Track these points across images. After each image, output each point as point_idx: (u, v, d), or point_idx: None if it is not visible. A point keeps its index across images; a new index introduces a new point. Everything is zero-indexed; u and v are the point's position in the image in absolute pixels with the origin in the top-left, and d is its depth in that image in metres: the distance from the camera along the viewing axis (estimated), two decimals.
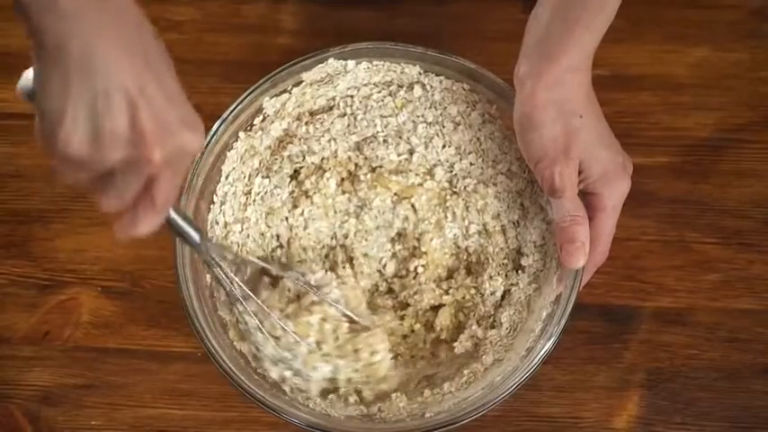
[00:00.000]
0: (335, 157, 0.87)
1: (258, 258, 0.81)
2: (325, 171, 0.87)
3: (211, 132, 0.80)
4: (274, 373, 0.77)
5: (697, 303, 0.87)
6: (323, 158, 0.87)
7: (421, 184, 0.86)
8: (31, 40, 0.56)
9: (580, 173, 0.75)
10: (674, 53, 0.96)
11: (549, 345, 0.74)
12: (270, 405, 0.73)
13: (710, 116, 0.93)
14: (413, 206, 0.87)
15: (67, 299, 0.89)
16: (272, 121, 0.84)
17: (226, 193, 0.83)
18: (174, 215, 0.68)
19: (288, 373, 0.77)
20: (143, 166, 0.57)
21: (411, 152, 0.86)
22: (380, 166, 0.87)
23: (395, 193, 0.87)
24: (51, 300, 0.89)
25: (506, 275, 0.84)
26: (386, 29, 0.96)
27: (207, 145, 0.80)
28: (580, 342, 0.86)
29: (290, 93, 0.84)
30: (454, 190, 0.86)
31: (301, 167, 0.87)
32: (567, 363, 0.86)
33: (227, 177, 0.83)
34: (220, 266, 0.74)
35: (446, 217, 0.86)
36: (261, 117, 0.83)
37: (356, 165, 0.87)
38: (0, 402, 0.86)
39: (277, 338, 0.76)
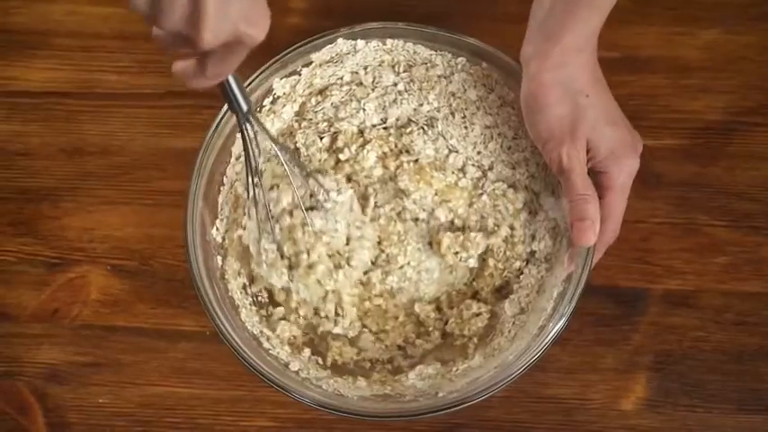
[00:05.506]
0: (374, 127, 0.86)
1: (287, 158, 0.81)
2: (367, 141, 0.86)
3: (221, 114, 0.80)
4: (274, 280, 0.80)
5: (705, 286, 0.87)
6: (361, 127, 0.86)
7: (456, 183, 0.85)
8: None
9: (588, 151, 0.75)
10: (685, 35, 0.95)
11: (560, 324, 0.74)
12: (281, 384, 0.74)
13: (720, 99, 0.93)
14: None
15: (76, 277, 0.89)
16: (284, 105, 0.84)
17: (238, 173, 0.83)
18: (230, 81, 0.69)
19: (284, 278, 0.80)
20: (193, 44, 0.59)
21: (449, 150, 0.85)
22: (417, 160, 0.85)
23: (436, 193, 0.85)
24: (60, 278, 0.89)
25: (519, 267, 0.83)
26: (397, 10, 0.96)
27: (216, 126, 0.80)
28: (588, 324, 0.86)
29: (300, 74, 0.83)
30: (480, 192, 0.84)
31: (338, 132, 0.86)
32: (574, 344, 0.86)
33: (237, 158, 0.83)
34: (256, 142, 0.75)
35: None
36: (270, 98, 0.83)
37: (396, 145, 0.86)
38: (8, 380, 0.86)
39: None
